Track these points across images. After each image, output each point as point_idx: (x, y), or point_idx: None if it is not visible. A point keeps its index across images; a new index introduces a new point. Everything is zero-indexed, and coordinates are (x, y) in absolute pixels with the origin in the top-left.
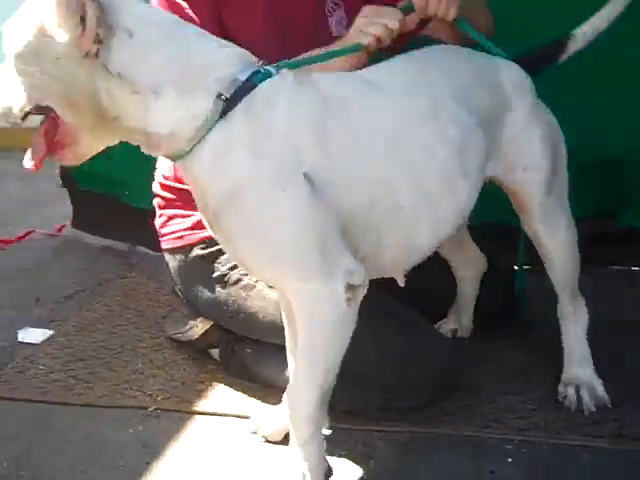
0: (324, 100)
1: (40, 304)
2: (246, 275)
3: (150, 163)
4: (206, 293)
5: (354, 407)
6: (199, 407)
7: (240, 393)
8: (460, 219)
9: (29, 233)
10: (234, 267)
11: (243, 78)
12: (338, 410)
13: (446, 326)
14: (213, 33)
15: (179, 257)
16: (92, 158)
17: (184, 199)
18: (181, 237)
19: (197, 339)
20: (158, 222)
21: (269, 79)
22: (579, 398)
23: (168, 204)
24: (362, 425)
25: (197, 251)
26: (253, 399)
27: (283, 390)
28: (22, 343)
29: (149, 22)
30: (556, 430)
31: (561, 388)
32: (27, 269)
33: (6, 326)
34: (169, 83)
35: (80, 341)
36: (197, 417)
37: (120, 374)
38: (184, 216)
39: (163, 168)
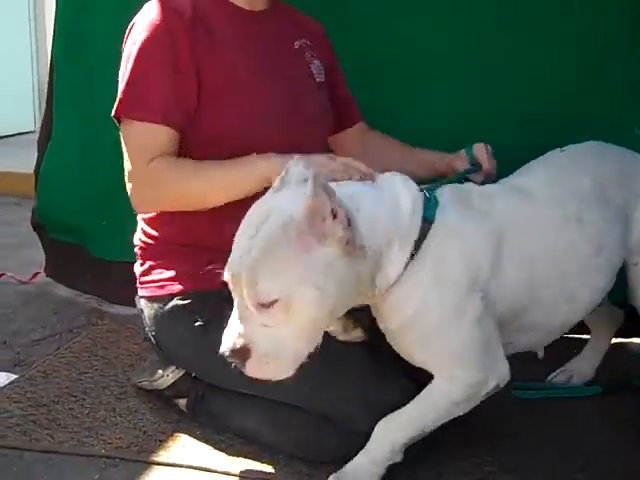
0: (492, 221)
1: (7, 347)
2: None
3: (116, 214)
4: (184, 341)
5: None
6: (159, 457)
7: (203, 444)
8: (593, 307)
9: (1, 275)
10: (213, 318)
11: (421, 217)
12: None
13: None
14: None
15: (157, 305)
16: (60, 207)
17: (166, 250)
18: (162, 287)
19: (165, 388)
20: (139, 269)
21: (439, 210)
22: None
23: (151, 252)
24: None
25: (176, 301)
26: (216, 451)
27: (250, 440)
28: None
29: (357, 195)
30: None
31: None
32: None
33: None
34: (387, 245)
35: (44, 387)
36: (156, 467)
37: (81, 421)
38: (167, 267)
39: (146, 218)
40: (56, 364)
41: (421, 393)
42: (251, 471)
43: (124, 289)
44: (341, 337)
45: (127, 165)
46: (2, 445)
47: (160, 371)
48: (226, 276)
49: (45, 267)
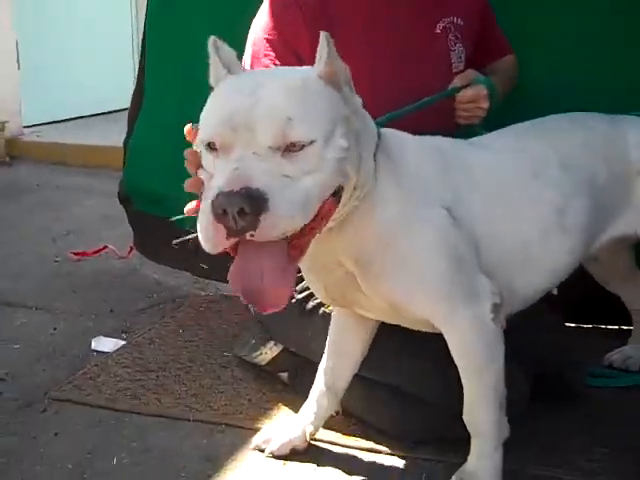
0: (443, 151)
1: (114, 315)
2: (322, 305)
3: None
4: (283, 316)
5: (418, 435)
6: (265, 425)
7: None
8: (558, 275)
9: (104, 248)
10: (308, 297)
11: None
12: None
13: (620, 355)
14: None
15: None
16: (149, 179)
17: None
18: None
19: (266, 364)
20: None
21: (390, 132)
22: None
23: None
24: (425, 454)
25: None
26: None
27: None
28: (95, 351)
29: None
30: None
31: None
32: (103, 281)
33: (81, 334)
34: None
35: (151, 353)
36: None
37: (188, 387)
38: None
39: None
40: (162, 332)
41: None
42: (355, 443)
43: (211, 264)
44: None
45: None
46: (113, 407)
47: (261, 347)
48: (214, 134)
49: (134, 242)
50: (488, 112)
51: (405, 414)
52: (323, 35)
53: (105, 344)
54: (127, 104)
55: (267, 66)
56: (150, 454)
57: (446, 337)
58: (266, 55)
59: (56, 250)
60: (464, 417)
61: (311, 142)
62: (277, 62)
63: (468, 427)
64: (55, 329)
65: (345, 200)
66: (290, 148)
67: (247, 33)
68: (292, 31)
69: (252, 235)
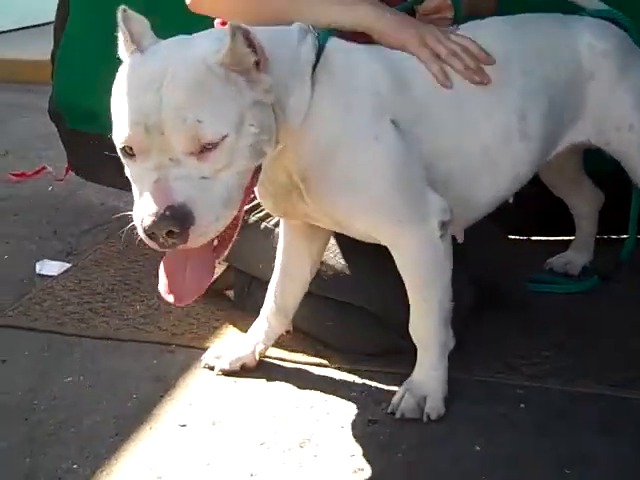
0: (395, 61)
1: (58, 238)
2: (265, 219)
3: None
4: None
5: (365, 349)
6: (214, 344)
7: None
8: (517, 182)
9: (43, 169)
10: (252, 210)
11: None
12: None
13: (560, 260)
14: None
15: None
16: (81, 93)
17: None
18: None
19: (212, 282)
20: None
21: (337, 46)
22: None
23: None
24: (372, 367)
25: None
26: None
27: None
28: (40, 275)
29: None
30: (568, 377)
31: None
32: (44, 203)
33: (24, 258)
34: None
35: (97, 275)
36: None
37: (136, 309)
38: None
39: None
40: (107, 253)
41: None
42: (304, 359)
43: None
44: None
45: None
46: (62, 332)
47: None
48: (128, 138)
49: (68, 162)
50: (454, 23)
51: (352, 328)
52: (229, 27)
53: (50, 267)
54: (52, 18)
55: None
56: (101, 377)
57: (393, 254)
58: None
59: None
60: (410, 330)
61: (223, 138)
62: None
63: (414, 339)
64: None
65: (271, 152)
66: (204, 149)
67: None
68: None
69: (184, 246)
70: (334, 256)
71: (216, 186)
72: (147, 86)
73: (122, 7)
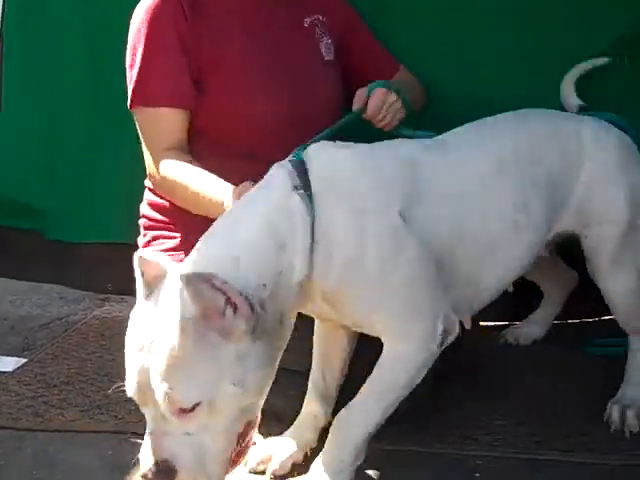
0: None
1: (15, 333)
2: None
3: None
4: None
5: None
6: None
7: None
8: (520, 268)
9: None
10: None
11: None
12: None
13: (516, 330)
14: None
15: None
16: (12, 188)
17: (172, 220)
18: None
19: None
20: (141, 241)
21: (313, 154)
22: (623, 418)
23: (154, 225)
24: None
25: None
26: None
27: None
28: None
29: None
30: (526, 446)
31: (608, 407)
32: (2, 300)
33: None
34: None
35: (54, 368)
36: None
37: (92, 399)
38: (168, 237)
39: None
40: (65, 346)
41: (372, 374)
42: None
43: (90, 273)
44: None
45: (146, 156)
46: (16, 427)
47: None
48: (130, 393)
49: None
50: (405, 105)
51: None
52: (184, 278)
53: (6, 364)
54: None
55: (163, 67)
56: (56, 470)
57: (385, 349)
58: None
59: None
60: (338, 424)
61: (194, 406)
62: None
63: (337, 434)
64: None
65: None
66: (182, 411)
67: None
68: (174, 22)
69: None
70: None
71: (201, 441)
72: (138, 345)
73: (139, 254)
